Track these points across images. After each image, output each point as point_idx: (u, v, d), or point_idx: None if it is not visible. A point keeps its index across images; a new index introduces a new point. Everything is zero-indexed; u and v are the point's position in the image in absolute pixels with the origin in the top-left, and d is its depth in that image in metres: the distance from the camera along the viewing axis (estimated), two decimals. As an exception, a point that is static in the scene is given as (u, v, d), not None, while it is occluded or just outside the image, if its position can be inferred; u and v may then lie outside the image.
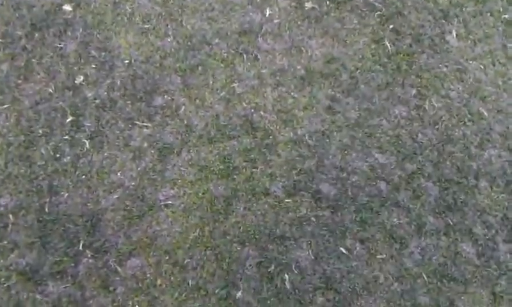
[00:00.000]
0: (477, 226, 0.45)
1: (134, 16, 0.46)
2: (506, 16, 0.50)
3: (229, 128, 0.44)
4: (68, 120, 0.43)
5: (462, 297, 0.43)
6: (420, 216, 0.44)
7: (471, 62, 0.48)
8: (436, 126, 0.46)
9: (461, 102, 0.47)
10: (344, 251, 0.47)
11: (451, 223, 0.45)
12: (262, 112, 0.45)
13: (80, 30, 0.46)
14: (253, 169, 0.44)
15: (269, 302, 0.41)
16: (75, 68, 0.45)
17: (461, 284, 0.44)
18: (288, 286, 0.45)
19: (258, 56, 0.46)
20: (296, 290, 0.45)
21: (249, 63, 0.46)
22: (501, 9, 0.51)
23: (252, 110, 0.45)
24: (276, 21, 0.47)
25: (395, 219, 0.44)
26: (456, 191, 0.45)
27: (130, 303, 0.39)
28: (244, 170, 0.44)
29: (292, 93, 0.45)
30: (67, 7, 0.46)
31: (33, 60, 0.45)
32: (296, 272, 0.46)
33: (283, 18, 0.47)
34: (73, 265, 0.40)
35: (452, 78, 0.47)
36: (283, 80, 0.45)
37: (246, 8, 0.47)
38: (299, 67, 0.46)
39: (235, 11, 0.47)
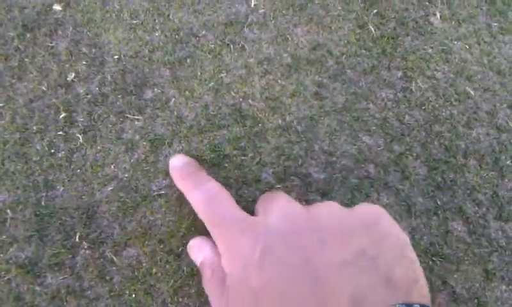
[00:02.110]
0: (467, 205, 0.44)
1: (122, 13, 0.47)
2: (490, -5, 0.50)
3: (218, 118, 0.45)
4: (62, 116, 0.43)
5: (454, 275, 0.43)
6: (409, 196, 0.44)
7: (456, 42, 0.48)
8: (423, 107, 0.46)
9: (447, 82, 0.47)
10: (335, 233, 0.47)
11: (441, 202, 0.45)
12: (250, 101, 0.45)
13: (71, 28, 0.46)
14: (243, 157, 0.44)
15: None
16: (67, 65, 0.45)
17: (453, 263, 0.43)
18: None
19: (245, 46, 0.46)
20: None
21: (236, 53, 0.46)
22: (485, -11, 0.51)
23: (241, 99, 0.45)
24: (261, 11, 0.47)
25: (384, 200, 0.44)
26: (445, 170, 0.45)
27: (127, 291, 0.40)
28: (234, 158, 0.44)
29: (279, 81, 0.45)
30: (57, 7, 0.47)
31: (26, 60, 0.45)
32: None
33: (268, 8, 0.47)
34: (70, 256, 0.40)
35: (438, 59, 0.47)
36: (270, 69, 0.46)
37: (232, 0, 0.48)
38: (285, 55, 0.46)
39: (221, 3, 0.47)
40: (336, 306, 0.19)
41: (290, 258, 0.22)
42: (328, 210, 0.25)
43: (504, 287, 0.42)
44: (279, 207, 0.29)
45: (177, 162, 0.40)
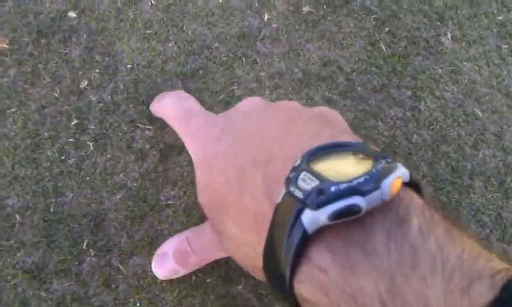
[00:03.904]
0: (472, 225, 0.45)
1: (136, 22, 0.47)
2: (500, 18, 0.50)
3: (228, 130, 0.45)
4: (73, 123, 0.44)
5: (457, 295, 0.43)
6: (415, 215, 0.44)
7: (466, 63, 0.49)
8: (431, 127, 0.46)
9: (456, 103, 0.47)
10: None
11: (446, 222, 0.45)
12: (260, 115, 0.46)
13: (85, 36, 0.47)
14: (253, 170, 0.45)
15: (266, 299, 0.42)
16: (80, 72, 0.46)
17: (457, 282, 0.44)
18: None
19: (257, 59, 0.47)
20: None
21: (248, 66, 0.46)
22: (495, 11, 0.51)
23: (251, 113, 0.46)
24: (274, 25, 0.48)
25: (391, 218, 0.44)
26: (451, 191, 0.45)
27: (132, 300, 0.40)
28: (243, 171, 0.45)
29: (289, 95, 0.46)
30: (72, 14, 0.47)
31: (39, 65, 0.46)
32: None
33: (281, 23, 0.48)
34: (77, 263, 0.40)
35: (447, 80, 0.48)
36: (281, 83, 0.46)
37: (245, 13, 0.48)
38: (296, 70, 0.46)
39: (235, 15, 0.48)
40: (282, 161, 0.21)
41: (245, 128, 0.25)
42: (285, 104, 0.28)
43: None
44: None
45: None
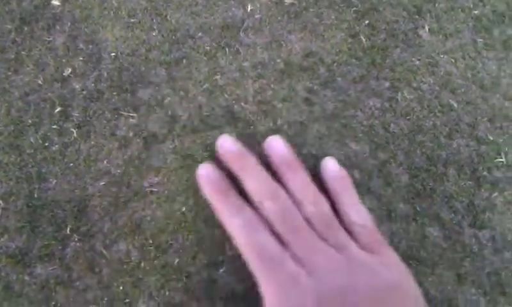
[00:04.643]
0: (444, 212, 0.46)
1: (120, 11, 0.48)
2: (476, 12, 0.52)
3: (211, 119, 0.46)
4: (57, 110, 0.44)
5: (429, 278, 0.45)
6: (390, 202, 0.46)
7: (442, 56, 0.50)
8: (408, 117, 0.47)
9: (432, 94, 0.48)
10: (320, 235, 0.50)
11: (419, 209, 0.47)
12: (243, 104, 0.46)
13: (69, 24, 0.47)
14: (235, 158, 0.46)
15: (248, 282, 0.43)
16: (64, 60, 0.46)
17: (429, 266, 0.46)
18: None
19: (240, 50, 0.47)
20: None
21: (231, 56, 0.47)
22: (471, 6, 0.52)
23: (233, 102, 0.46)
24: (257, 16, 0.48)
25: (367, 205, 0.45)
26: (425, 178, 0.47)
27: (115, 284, 0.41)
28: (225, 158, 0.46)
29: (272, 85, 0.47)
30: (56, 2, 0.47)
31: (23, 53, 0.45)
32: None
33: (264, 14, 0.48)
34: (60, 248, 0.40)
35: (424, 72, 0.49)
36: (264, 73, 0.47)
37: (229, 3, 0.48)
38: (278, 60, 0.47)
39: (218, 6, 0.48)
40: None
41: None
42: (363, 270, 0.29)
43: (473, 291, 0.45)
44: (321, 260, 0.31)
45: (207, 173, 0.41)
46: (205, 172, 0.41)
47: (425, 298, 0.44)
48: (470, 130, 0.48)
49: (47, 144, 0.43)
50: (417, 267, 0.45)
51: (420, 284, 0.44)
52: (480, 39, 0.51)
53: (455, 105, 0.48)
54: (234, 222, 0.37)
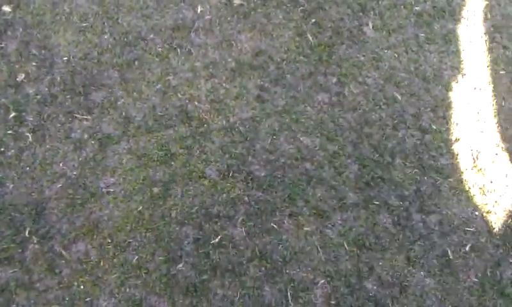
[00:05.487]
0: (393, 199, 0.49)
1: (72, 16, 0.48)
2: (418, 8, 0.55)
3: (166, 118, 0.47)
4: (11, 116, 0.45)
5: (380, 263, 0.48)
6: (341, 191, 0.49)
7: (386, 51, 0.53)
8: (355, 111, 0.50)
9: (377, 88, 0.51)
10: (274, 225, 0.51)
11: (369, 197, 0.49)
12: (196, 103, 0.48)
13: (21, 30, 0.47)
14: (189, 155, 0.47)
15: (206, 275, 0.44)
16: (17, 66, 0.46)
17: (379, 251, 0.48)
18: (223, 260, 0.49)
19: (192, 50, 0.49)
20: (231, 263, 0.49)
21: (183, 57, 0.48)
22: (413, 2, 0.55)
23: (187, 101, 0.48)
24: (207, 17, 0.50)
25: (319, 195, 0.48)
26: (374, 168, 0.49)
27: (76, 283, 0.42)
28: (180, 156, 0.47)
29: (224, 84, 0.48)
30: (7, 8, 0.48)
31: (-26, 60, 0.46)
32: (231, 247, 0.50)
33: (214, 15, 0.50)
34: (20, 251, 0.41)
35: (369, 67, 0.52)
36: (216, 72, 0.48)
37: (179, 5, 0.50)
38: (230, 60, 0.49)
39: (169, 8, 0.50)
40: None
41: None
42: None
43: (423, 273, 0.48)
44: None
45: None
46: None
47: (377, 281, 0.46)
48: (414, 120, 0.51)
49: (2, 149, 0.43)
50: (368, 253, 0.47)
51: (372, 268, 0.47)
52: (422, 34, 0.53)
53: (399, 97, 0.51)
54: None
